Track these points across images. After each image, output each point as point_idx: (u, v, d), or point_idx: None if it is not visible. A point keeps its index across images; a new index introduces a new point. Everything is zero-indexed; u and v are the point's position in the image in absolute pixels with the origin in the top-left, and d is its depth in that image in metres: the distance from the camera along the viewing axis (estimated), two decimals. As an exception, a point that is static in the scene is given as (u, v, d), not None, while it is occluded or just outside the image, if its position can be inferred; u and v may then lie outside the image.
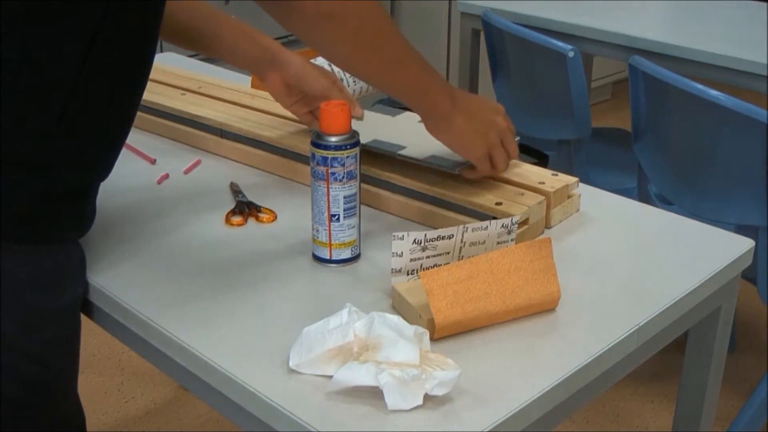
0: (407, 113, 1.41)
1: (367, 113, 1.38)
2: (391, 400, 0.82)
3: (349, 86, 1.53)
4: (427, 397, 0.83)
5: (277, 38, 1.29)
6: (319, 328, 0.88)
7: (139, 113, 1.50)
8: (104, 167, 1.01)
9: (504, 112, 1.15)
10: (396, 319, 0.87)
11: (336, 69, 1.44)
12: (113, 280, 1.05)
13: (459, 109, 1.09)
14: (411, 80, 1.04)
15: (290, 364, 0.88)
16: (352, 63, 1.03)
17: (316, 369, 0.87)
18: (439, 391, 0.82)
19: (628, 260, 1.11)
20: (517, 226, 1.02)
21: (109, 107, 0.97)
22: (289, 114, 1.42)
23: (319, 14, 0.93)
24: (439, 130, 1.10)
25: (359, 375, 0.83)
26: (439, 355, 0.86)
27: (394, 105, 1.43)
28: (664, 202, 1.98)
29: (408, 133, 1.30)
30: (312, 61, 1.47)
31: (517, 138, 1.19)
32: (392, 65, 1.02)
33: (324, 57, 1.08)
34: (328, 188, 1.04)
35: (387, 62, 1.02)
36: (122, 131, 1.01)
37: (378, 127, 1.33)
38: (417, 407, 0.82)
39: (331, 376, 0.84)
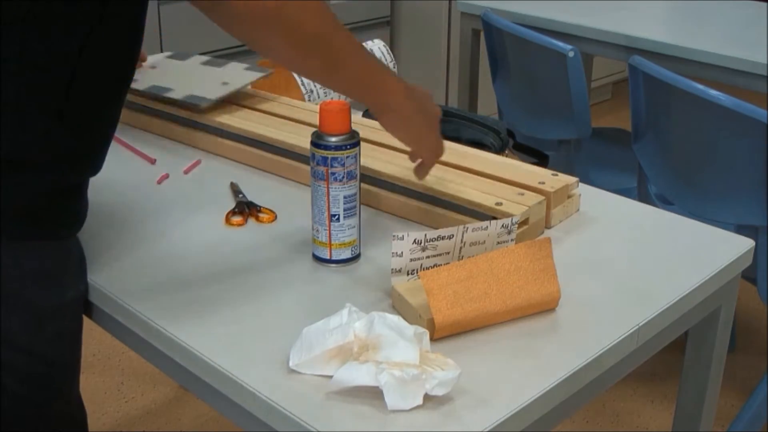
0: (196, 57, 1.58)
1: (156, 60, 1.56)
2: (391, 400, 0.82)
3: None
4: (427, 397, 0.83)
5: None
6: (319, 328, 0.88)
7: (139, 113, 1.51)
8: (99, 161, 1.02)
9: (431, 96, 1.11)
10: (396, 319, 0.87)
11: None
12: (113, 280, 1.05)
13: (412, 103, 1.05)
14: (354, 78, 1.00)
15: (290, 364, 0.88)
16: (292, 64, 1.00)
17: (316, 369, 0.87)
18: (439, 391, 0.82)
19: (628, 260, 1.11)
20: (517, 226, 1.02)
21: (103, 103, 0.98)
22: (289, 114, 1.42)
23: (251, 15, 0.89)
24: (395, 126, 1.06)
25: (359, 375, 0.83)
26: (439, 355, 0.86)
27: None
28: (664, 202, 1.98)
29: (189, 79, 1.43)
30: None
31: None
32: (333, 64, 0.98)
33: (264, 57, 1.05)
34: (328, 188, 1.04)
35: (328, 62, 0.97)
36: (114, 125, 1.02)
37: (166, 74, 1.48)
38: (417, 407, 0.82)
39: (331, 376, 0.84)
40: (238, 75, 1.48)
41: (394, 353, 0.83)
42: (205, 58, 1.59)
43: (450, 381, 0.82)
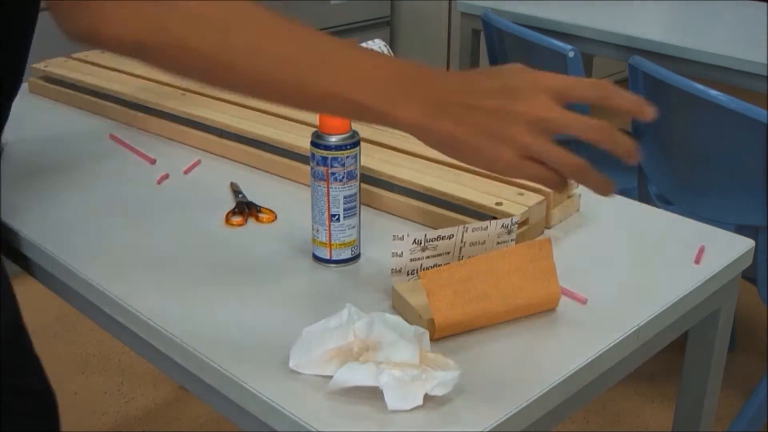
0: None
1: None
2: (391, 400, 0.81)
3: None
4: (427, 397, 0.83)
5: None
6: (319, 328, 0.88)
7: (139, 113, 1.50)
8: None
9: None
10: (396, 320, 0.87)
11: None
12: (113, 280, 1.05)
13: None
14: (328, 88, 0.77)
15: (290, 364, 0.88)
16: (215, 84, 0.78)
17: (316, 369, 0.87)
18: (439, 391, 0.82)
19: (628, 260, 1.11)
20: (517, 226, 1.02)
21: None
22: (288, 113, 1.42)
23: (124, 46, 0.73)
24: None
25: (359, 375, 0.83)
26: (439, 355, 0.86)
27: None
28: (664, 202, 1.98)
29: None
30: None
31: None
32: (274, 71, 0.76)
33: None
34: (328, 188, 1.04)
35: (262, 72, 0.75)
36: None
37: None
38: (417, 407, 0.82)
39: (331, 376, 0.84)
40: None
41: (395, 353, 0.83)
42: None
43: (450, 381, 0.82)
